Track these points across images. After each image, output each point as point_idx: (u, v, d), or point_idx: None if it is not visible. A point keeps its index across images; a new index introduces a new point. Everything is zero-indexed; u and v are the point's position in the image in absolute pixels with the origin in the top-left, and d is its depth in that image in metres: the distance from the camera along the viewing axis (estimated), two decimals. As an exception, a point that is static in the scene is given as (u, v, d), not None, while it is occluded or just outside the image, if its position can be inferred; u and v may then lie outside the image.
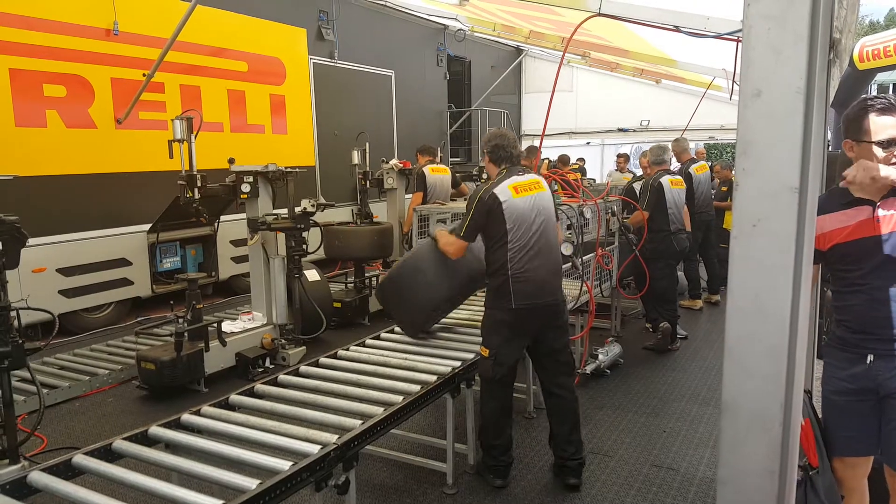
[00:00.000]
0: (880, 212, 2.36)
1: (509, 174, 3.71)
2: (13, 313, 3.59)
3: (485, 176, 9.01)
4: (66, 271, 6.63)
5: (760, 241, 1.26)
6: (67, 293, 6.60)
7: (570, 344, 3.95)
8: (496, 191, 3.61)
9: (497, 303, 3.68)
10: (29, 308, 3.80)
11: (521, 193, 3.64)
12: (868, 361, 2.42)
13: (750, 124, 1.23)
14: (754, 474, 1.29)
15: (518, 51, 15.84)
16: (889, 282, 2.34)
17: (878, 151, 2.32)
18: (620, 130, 15.33)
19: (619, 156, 13.15)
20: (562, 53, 5.72)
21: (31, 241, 6.07)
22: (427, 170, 7.65)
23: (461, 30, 13.11)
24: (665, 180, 6.30)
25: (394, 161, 8.34)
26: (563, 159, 11.29)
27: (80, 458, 2.60)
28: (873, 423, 2.46)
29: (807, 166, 1.20)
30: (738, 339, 1.30)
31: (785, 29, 1.17)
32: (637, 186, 7.18)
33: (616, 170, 12.72)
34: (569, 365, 3.86)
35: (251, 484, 2.35)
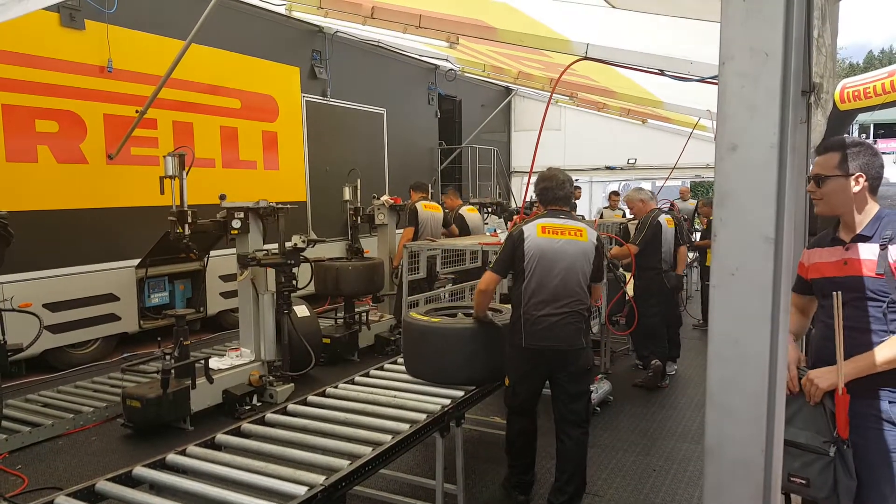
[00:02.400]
0: (846, 254, 2.46)
1: (550, 215, 3.82)
2: None
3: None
4: (53, 307, 6.58)
5: (739, 290, 1.30)
6: (53, 329, 6.54)
7: (588, 392, 3.93)
8: (524, 227, 3.77)
9: (511, 339, 3.80)
10: (14, 310, 3.75)
11: (547, 234, 3.71)
12: None
13: (727, 176, 1.28)
14: (737, 520, 1.31)
15: (507, 90, 16.11)
16: (841, 321, 2.40)
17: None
18: (608, 168, 15.54)
19: (611, 193, 13.26)
20: (550, 93, 5.84)
21: (18, 276, 6.13)
22: (419, 206, 7.73)
23: (452, 70, 13.34)
24: (662, 219, 6.38)
25: (385, 197, 8.42)
26: None
27: (62, 500, 2.56)
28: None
29: (781, 217, 1.24)
30: (719, 384, 1.33)
31: (758, 87, 1.22)
32: (631, 227, 7.20)
33: (608, 207, 12.84)
34: (578, 414, 3.79)
35: (237, 526, 2.32)
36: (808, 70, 2.27)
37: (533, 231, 3.72)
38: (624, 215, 11.73)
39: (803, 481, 2.34)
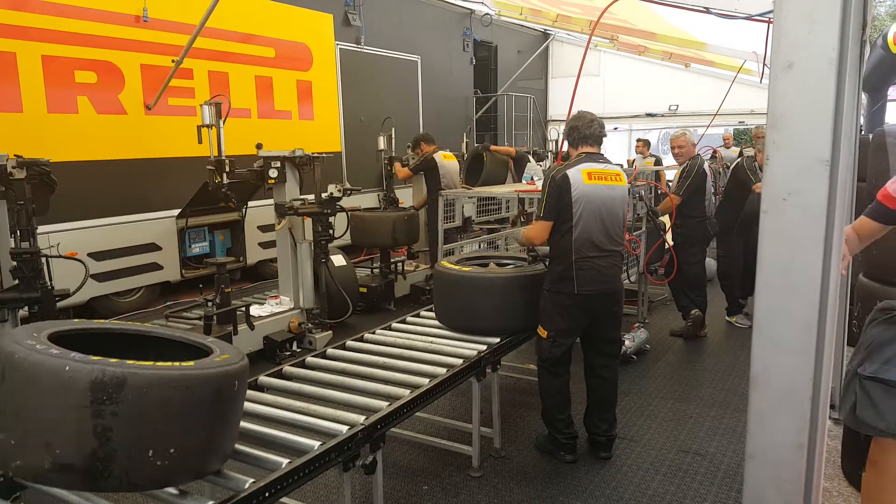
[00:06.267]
0: None
1: (588, 159, 3.75)
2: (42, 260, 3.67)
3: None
4: (98, 256, 6.76)
5: (790, 215, 1.25)
6: (99, 277, 6.72)
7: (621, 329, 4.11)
8: (568, 172, 3.66)
9: (559, 287, 3.75)
10: (59, 256, 3.87)
11: (593, 180, 3.67)
12: None
13: (781, 97, 1.22)
14: (783, 448, 1.29)
15: (545, 35, 15.69)
16: None
17: None
18: (648, 115, 15.13)
19: (638, 141, 12.80)
20: (589, 34, 5.67)
21: (63, 225, 6.28)
22: (439, 156, 7.64)
23: (487, 14, 13.01)
24: (707, 167, 6.23)
25: (420, 146, 8.33)
26: None
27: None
28: None
29: (838, 139, 1.19)
30: (767, 312, 1.30)
31: (818, -3, 1.14)
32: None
33: (638, 155, 12.46)
34: (617, 349, 4.07)
35: (281, 462, 2.40)
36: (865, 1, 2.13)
37: (579, 177, 3.65)
38: (657, 162, 11.43)
39: None
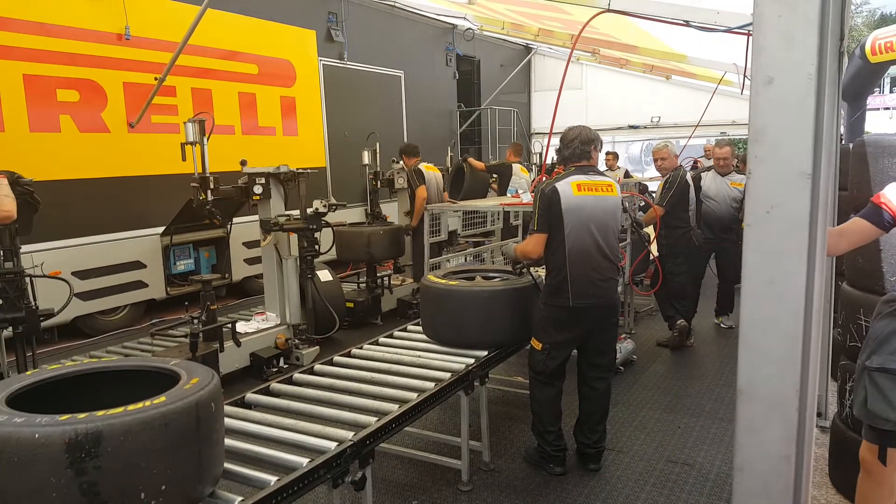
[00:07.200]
0: None
1: (577, 172, 3.75)
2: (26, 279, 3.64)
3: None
4: (82, 274, 6.69)
5: (774, 228, 1.27)
6: (83, 296, 6.66)
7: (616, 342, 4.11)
8: (557, 185, 3.66)
9: (555, 300, 3.75)
10: (43, 276, 3.84)
11: (582, 192, 3.67)
12: None
13: (762, 111, 1.24)
14: (771, 460, 1.30)
15: (527, 49, 15.83)
16: None
17: None
18: (631, 127, 15.28)
19: (608, 154, 12.73)
20: (570, 49, 5.72)
21: (46, 245, 6.23)
22: (423, 167, 7.69)
23: (470, 29, 13.12)
24: (689, 177, 6.29)
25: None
26: None
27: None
28: None
29: (819, 152, 1.21)
30: (752, 324, 1.32)
31: (796, 14, 1.18)
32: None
33: (607, 168, 12.46)
34: (612, 361, 4.03)
35: (269, 480, 2.37)
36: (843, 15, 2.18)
37: (568, 190, 3.65)
38: (627, 174, 11.50)
39: None
